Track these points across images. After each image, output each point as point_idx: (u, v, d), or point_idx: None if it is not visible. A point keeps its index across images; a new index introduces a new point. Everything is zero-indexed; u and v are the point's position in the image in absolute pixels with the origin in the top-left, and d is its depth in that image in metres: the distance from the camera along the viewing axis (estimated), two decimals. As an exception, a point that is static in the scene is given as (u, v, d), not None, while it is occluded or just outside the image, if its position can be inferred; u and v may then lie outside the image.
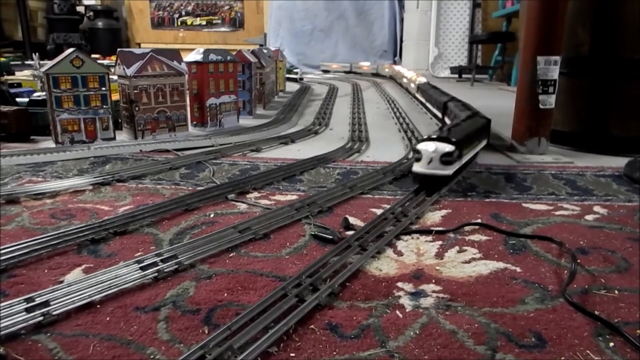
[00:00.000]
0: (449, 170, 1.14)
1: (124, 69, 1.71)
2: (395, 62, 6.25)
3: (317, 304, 0.67)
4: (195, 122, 2.03)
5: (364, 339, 0.60)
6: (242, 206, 1.09)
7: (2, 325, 0.60)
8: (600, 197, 1.18)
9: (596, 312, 0.66)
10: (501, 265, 0.81)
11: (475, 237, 0.93)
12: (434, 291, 0.72)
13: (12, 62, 3.97)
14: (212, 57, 1.98)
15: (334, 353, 0.58)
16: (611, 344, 0.60)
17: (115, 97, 1.84)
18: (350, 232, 0.93)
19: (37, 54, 2.84)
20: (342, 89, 3.98)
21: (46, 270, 0.77)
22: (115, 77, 1.81)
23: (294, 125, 2.23)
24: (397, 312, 0.67)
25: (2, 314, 0.61)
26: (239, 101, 2.20)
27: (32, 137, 1.79)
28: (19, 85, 2.50)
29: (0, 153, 1.45)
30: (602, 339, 0.61)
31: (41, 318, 0.62)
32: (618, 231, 0.97)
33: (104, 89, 1.67)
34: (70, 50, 1.62)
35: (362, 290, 0.72)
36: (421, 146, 1.15)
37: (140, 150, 1.62)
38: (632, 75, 1.62)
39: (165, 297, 0.69)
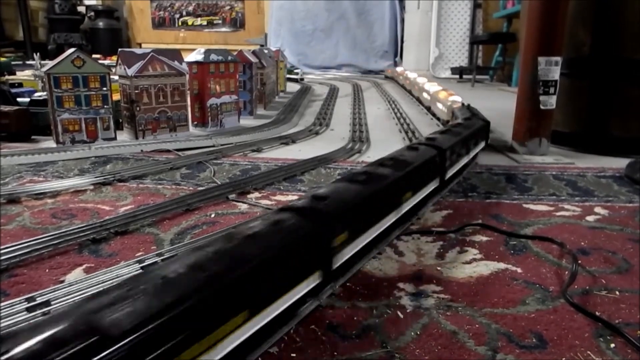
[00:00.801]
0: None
1: (125, 69, 1.71)
2: (396, 63, 6.25)
3: (318, 305, 0.67)
4: (196, 122, 2.03)
5: (364, 340, 0.60)
6: (243, 206, 1.09)
7: (3, 324, 0.60)
8: (601, 198, 1.18)
9: (597, 313, 0.66)
10: (502, 265, 0.81)
11: (476, 237, 0.93)
12: (434, 291, 0.72)
13: (13, 62, 3.97)
14: (213, 57, 1.98)
15: (335, 353, 0.58)
16: (612, 345, 0.60)
17: (116, 97, 1.84)
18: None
19: (38, 53, 2.84)
20: (343, 89, 3.98)
21: (47, 270, 0.77)
22: (116, 77, 1.81)
23: (295, 125, 2.23)
24: (398, 312, 0.66)
25: (3, 314, 0.61)
26: (239, 101, 2.20)
27: (33, 136, 1.80)
28: (20, 85, 2.50)
29: (1, 153, 1.45)
30: (603, 340, 0.61)
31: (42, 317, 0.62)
32: (619, 232, 0.97)
33: (105, 89, 1.67)
34: (72, 50, 1.62)
35: (363, 290, 0.72)
36: None
37: (141, 150, 1.62)
38: (633, 76, 1.62)
39: (166, 297, 0.69)
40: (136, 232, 0.94)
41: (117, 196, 1.16)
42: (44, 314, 0.62)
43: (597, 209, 1.10)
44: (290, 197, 1.16)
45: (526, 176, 1.37)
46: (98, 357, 0.34)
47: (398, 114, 2.51)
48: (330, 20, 6.51)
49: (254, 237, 0.54)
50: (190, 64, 1.95)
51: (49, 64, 1.61)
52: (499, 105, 2.62)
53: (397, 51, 6.38)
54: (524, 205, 1.12)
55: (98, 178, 1.26)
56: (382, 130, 2.12)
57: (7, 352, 0.32)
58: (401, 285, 0.74)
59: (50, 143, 1.68)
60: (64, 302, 0.65)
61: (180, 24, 7.22)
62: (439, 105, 2.19)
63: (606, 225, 1.00)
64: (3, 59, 3.76)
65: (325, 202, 0.65)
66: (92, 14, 6.58)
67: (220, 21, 7.18)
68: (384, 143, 1.84)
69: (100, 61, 1.89)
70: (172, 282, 0.43)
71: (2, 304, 0.63)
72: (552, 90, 1.57)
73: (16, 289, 0.71)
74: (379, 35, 6.41)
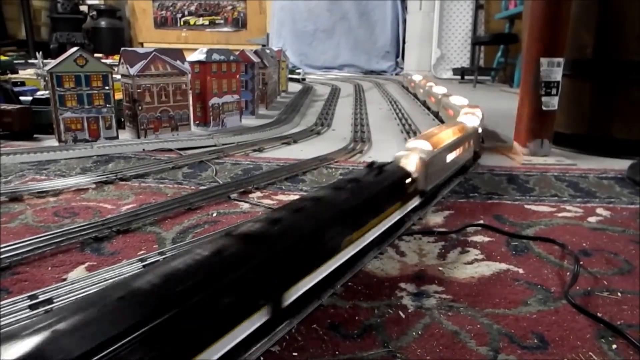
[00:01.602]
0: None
1: (127, 68, 1.71)
2: (397, 64, 6.25)
3: (320, 304, 0.67)
4: (197, 122, 2.03)
5: (366, 339, 0.60)
6: (245, 206, 1.10)
7: (6, 322, 0.60)
8: (603, 200, 1.18)
9: (599, 314, 0.66)
10: (503, 266, 0.81)
11: (478, 238, 0.93)
12: (436, 292, 0.72)
13: (15, 61, 3.98)
14: (215, 57, 1.98)
15: (337, 352, 0.58)
16: (614, 346, 0.60)
17: (119, 96, 1.84)
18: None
19: (40, 52, 2.85)
20: (345, 89, 3.98)
21: (49, 268, 0.78)
22: (119, 77, 1.82)
23: (297, 125, 2.23)
24: (400, 312, 0.67)
25: (5, 311, 0.62)
26: (241, 101, 2.21)
27: (35, 135, 1.80)
28: (23, 83, 2.50)
29: (2, 151, 1.46)
30: (605, 341, 0.61)
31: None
32: (621, 233, 0.97)
33: (107, 88, 1.67)
34: (74, 49, 1.63)
35: (365, 290, 0.72)
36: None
37: (143, 149, 1.62)
38: (635, 78, 1.62)
39: (168, 296, 0.69)
40: (138, 230, 0.94)
41: (119, 195, 1.16)
42: (46, 311, 0.63)
43: (599, 211, 1.10)
44: (292, 197, 1.16)
45: (528, 177, 1.37)
46: None
47: (399, 115, 2.51)
48: (332, 20, 6.51)
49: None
50: (192, 63, 1.95)
51: (52, 62, 1.61)
52: (500, 106, 2.62)
53: (398, 52, 6.38)
54: (526, 206, 1.12)
55: (100, 177, 1.26)
56: (383, 131, 2.12)
57: None
58: (403, 285, 0.74)
59: (52, 141, 1.69)
60: (66, 300, 0.65)
61: (182, 23, 7.23)
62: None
63: (608, 227, 1.00)
64: (5, 58, 3.77)
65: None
66: (95, 13, 6.60)
67: (222, 21, 7.19)
68: (386, 143, 1.84)
69: (102, 60, 1.89)
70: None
71: (5, 301, 0.64)
72: (554, 91, 1.57)
73: (19, 286, 0.71)
74: (381, 36, 6.41)
